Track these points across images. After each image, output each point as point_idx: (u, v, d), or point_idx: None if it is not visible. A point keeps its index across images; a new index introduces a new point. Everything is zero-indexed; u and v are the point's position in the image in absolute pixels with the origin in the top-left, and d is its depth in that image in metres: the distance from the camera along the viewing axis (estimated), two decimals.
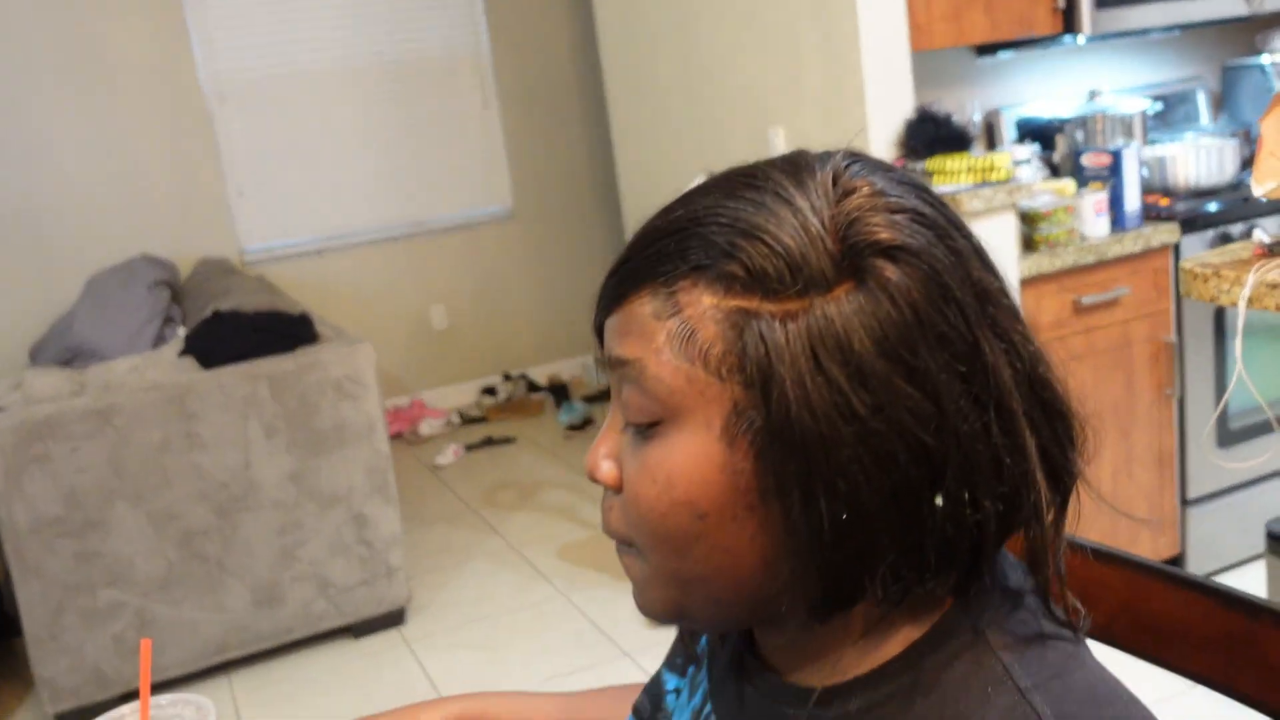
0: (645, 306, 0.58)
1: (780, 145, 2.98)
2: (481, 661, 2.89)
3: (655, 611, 0.64)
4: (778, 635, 0.65)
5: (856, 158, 0.59)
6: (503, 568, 3.44)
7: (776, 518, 0.56)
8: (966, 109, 3.09)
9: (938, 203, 0.59)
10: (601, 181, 5.32)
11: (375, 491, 3.00)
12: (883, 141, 2.70)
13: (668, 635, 2.73)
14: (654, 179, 3.77)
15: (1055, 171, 3.00)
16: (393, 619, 3.11)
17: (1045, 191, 2.65)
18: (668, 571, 0.60)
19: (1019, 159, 2.77)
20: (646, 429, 0.59)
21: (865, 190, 0.57)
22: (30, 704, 2.90)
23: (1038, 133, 3.10)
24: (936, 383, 0.54)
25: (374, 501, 3.00)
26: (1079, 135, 2.97)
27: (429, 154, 5.12)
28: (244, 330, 2.97)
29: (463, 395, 5.32)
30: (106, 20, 4.45)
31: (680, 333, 0.56)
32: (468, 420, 5.04)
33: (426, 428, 4.88)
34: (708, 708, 0.72)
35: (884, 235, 0.55)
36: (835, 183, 0.57)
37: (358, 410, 2.95)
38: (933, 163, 2.56)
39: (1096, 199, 2.62)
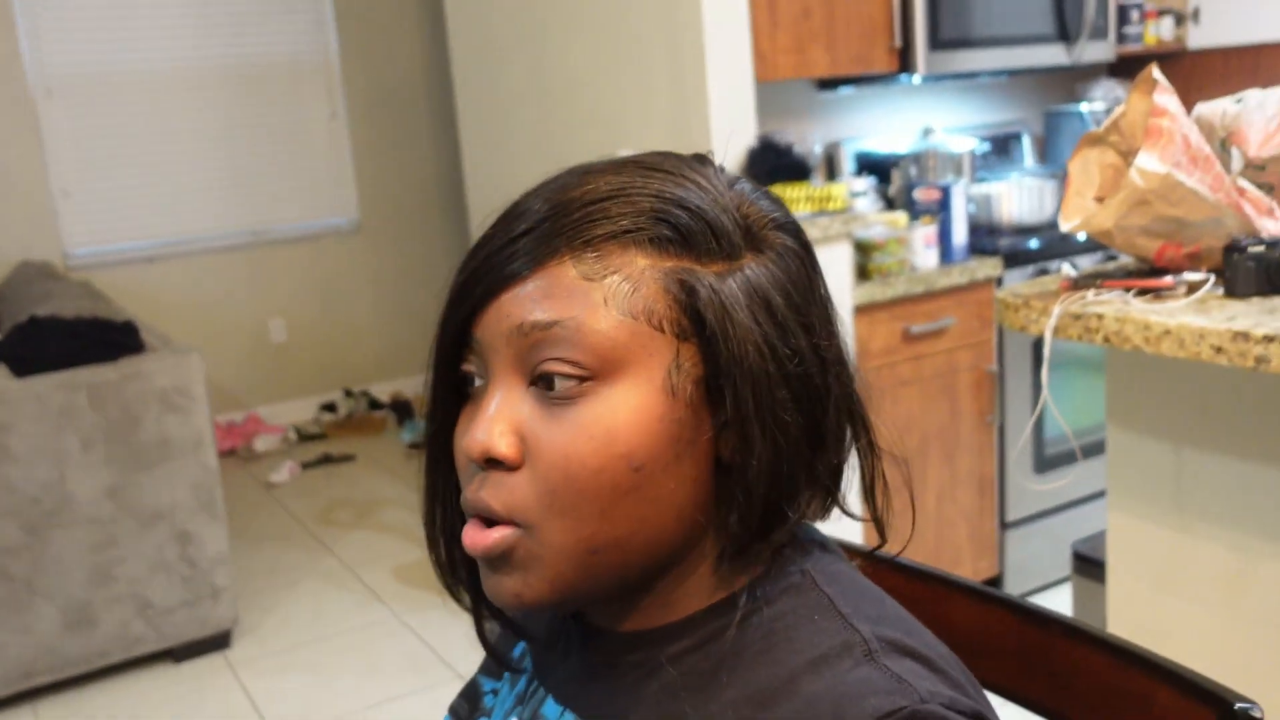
0: (569, 270, 0.61)
1: None
2: (310, 685, 2.80)
3: (539, 595, 0.63)
4: (621, 599, 0.67)
5: (712, 157, 0.69)
6: (336, 589, 3.35)
7: (705, 461, 0.62)
8: (808, 140, 3.18)
9: (778, 196, 0.70)
10: (449, 197, 5.27)
11: (201, 509, 2.88)
12: (726, 167, 2.76)
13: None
14: (503, 193, 3.73)
15: (890, 204, 3.11)
16: (217, 642, 2.98)
17: (879, 223, 2.75)
18: (579, 538, 0.61)
19: (856, 190, 2.86)
20: (569, 391, 0.60)
21: (742, 181, 0.67)
22: None
23: (875, 166, 3.22)
24: (819, 333, 0.64)
25: (199, 519, 2.88)
26: (913, 170, 3.10)
27: (273, 162, 4.98)
28: (63, 337, 2.81)
29: (301, 411, 5.17)
30: None
31: (623, 290, 0.60)
32: (305, 437, 4.90)
33: (262, 444, 4.72)
34: (534, 685, 0.74)
35: (774, 213, 0.65)
36: (720, 173, 0.66)
37: (184, 423, 2.83)
38: (773, 190, 2.62)
39: (926, 232, 2.73)
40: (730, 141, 2.74)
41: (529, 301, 0.61)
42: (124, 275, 4.67)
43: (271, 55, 4.90)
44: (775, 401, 0.61)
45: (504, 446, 0.61)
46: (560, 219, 0.62)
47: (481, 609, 0.73)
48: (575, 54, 3.22)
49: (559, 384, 0.60)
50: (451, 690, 2.69)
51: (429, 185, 5.35)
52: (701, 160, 0.67)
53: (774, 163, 2.72)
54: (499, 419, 0.62)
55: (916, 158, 3.10)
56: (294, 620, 3.16)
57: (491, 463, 0.62)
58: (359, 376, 5.31)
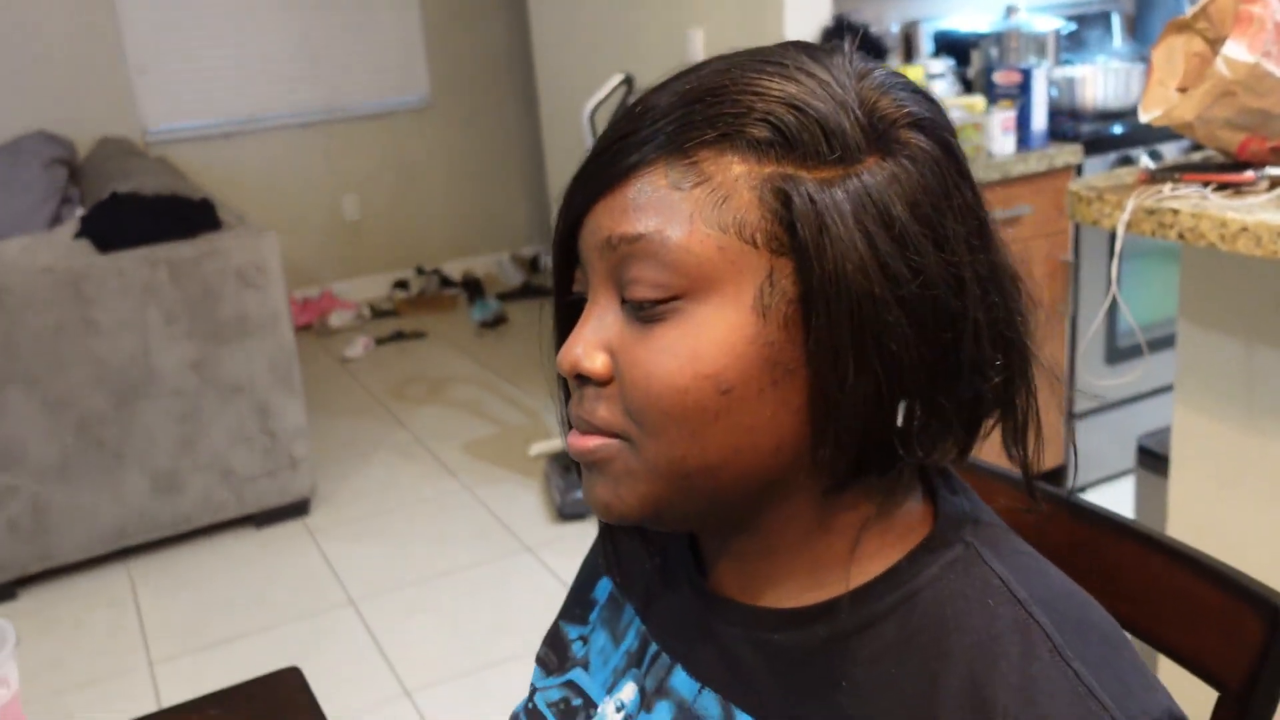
0: (660, 179, 0.56)
1: (699, 47, 2.95)
2: (383, 553, 2.92)
3: (628, 509, 0.60)
4: (742, 559, 0.64)
5: (846, 46, 0.61)
6: (408, 461, 3.46)
7: (804, 390, 0.56)
8: (884, 20, 3.09)
9: (927, 90, 0.61)
10: (520, 75, 5.23)
11: (279, 382, 2.98)
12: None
13: (571, 532, 2.79)
14: (572, 75, 3.71)
15: (969, 87, 3.02)
16: (296, 510, 3.11)
17: (956, 107, 2.68)
18: (671, 459, 0.57)
19: (933, 73, 2.78)
20: (656, 309, 0.56)
21: (880, 71, 0.58)
22: None
23: (954, 46, 3.12)
24: (958, 250, 0.56)
25: (278, 392, 2.98)
26: (993, 51, 3.00)
27: (345, 38, 4.96)
28: (143, 214, 2.89)
29: (374, 288, 5.26)
30: None
31: (712, 200, 0.55)
32: (378, 314, 4.99)
33: (336, 320, 4.83)
34: (651, 647, 0.70)
35: (909, 108, 0.57)
36: (852, 63, 0.58)
37: (261, 300, 2.90)
38: None
39: (1005, 117, 2.65)
40: (804, 22, 2.68)
41: (618, 212, 0.57)
42: (200, 152, 4.73)
43: None
44: (882, 327, 0.54)
45: (591, 363, 0.59)
46: (657, 121, 0.57)
47: (612, 529, 0.71)
48: None
49: (645, 301, 0.57)
50: (519, 562, 2.79)
51: (500, 63, 5.30)
52: (830, 50, 0.59)
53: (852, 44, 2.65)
54: (590, 335, 0.59)
55: (998, 38, 3.00)
56: (368, 490, 3.28)
57: (583, 379, 0.60)
58: (431, 254, 5.37)
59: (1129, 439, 2.58)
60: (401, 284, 5.22)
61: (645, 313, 0.57)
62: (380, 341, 4.59)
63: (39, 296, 2.66)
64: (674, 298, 0.56)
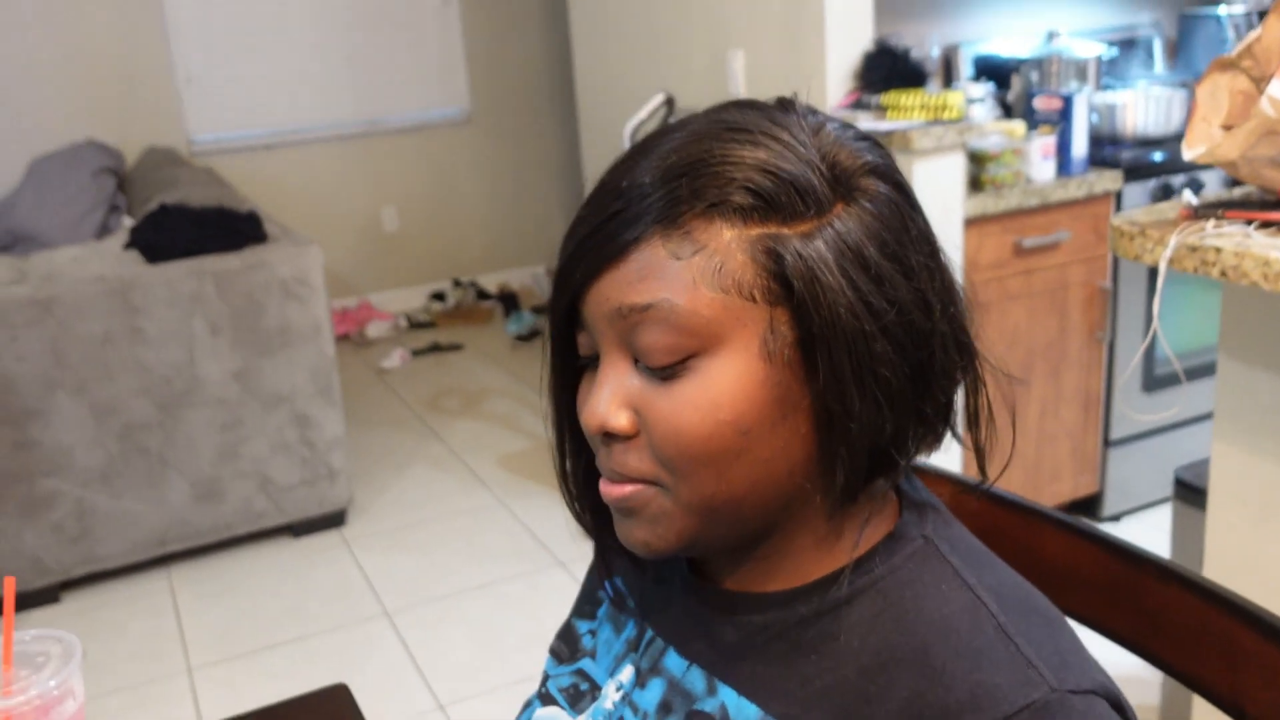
0: (659, 250, 0.62)
1: (739, 68, 2.98)
2: (418, 565, 2.95)
3: (666, 545, 0.66)
4: (741, 557, 0.70)
5: (797, 103, 0.68)
6: (444, 473, 3.49)
7: (810, 418, 0.63)
8: (925, 43, 3.10)
9: (873, 136, 0.69)
10: (559, 89, 5.27)
11: (319, 393, 3.02)
12: (840, 73, 2.71)
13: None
14: (612, 92, 3.75)
15: (1008, 112, 3.02)
16: (333, 520, 3.15)
17: (995, 132, 2.68)
18: (701, 498, 0.64)
19: (973, 97, 2.79)
20: (672, 368, 0.62)
21: (831, 124, 0.66)
22: None
23: (994, 71, 3.12)
24: (921, 276, 0.63)
25: (317, 403, 3.02)
26: (1034, 76, 3.00)
27: (386, 51, 5.03)
28: (191, 225, 2.94)
29: (411, 299, 5.31)
30: None
31: (710, 266, 0.61)
32: (415, 325, 5.04)
33: (374, 330, 4.88)
34: (647, 634, 0.76)
35: (865, 158, 0.64)
36: (805, 120, 0.65)
37: (304, 312, 2.95)
38: (887, 97, 2.58)
39: (1045, 143, 2.66)
40: (846, 45, 2.69)
41: (624, 284, 0.63)
42: (243, 162, 4.81)
43: None
44: (873, 358, 0.61)
45: (618, 422, 0.65)
46: (647, 197, 0.62)
47: (606, 548, 0.78)
48: None
49: (663, 367, 0.63)
50: (551, 577, 2.81)
51: (540, 77, 5.35)
52: (785, 108, 0.66)
53: (889, 68, 2.66)
54: (612, 395, 0.65)
55: (1038, 63, 3.00)
56: (404, 502, 3.32)
57: (610, 435, 0.66)
58: (467, 266, 5.42)
59: (1164, 467, 2.57)
60: (438, 296, 5.27)
61: (661, 372, 0.63)
62: (417, 353, 4.64)
63: (89, 305, 2.71)
64: (689, 356, 0.62)
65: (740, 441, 0.62)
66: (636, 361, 0.64)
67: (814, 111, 0.67)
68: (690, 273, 0.61)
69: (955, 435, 0.70)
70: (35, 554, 2.78)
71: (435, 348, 4.68)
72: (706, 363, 0.62)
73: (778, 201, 0.61)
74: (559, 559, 2.90)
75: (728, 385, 0.62)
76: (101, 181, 3.78)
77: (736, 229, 0.61)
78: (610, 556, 0.80)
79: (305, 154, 4.97)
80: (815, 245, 0.61)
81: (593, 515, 0.77)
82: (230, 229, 2.95)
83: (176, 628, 2.72)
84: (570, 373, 0.70)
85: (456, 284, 5.33)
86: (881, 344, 0.61)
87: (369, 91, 5.03)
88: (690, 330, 0.61)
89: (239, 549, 3.07)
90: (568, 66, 4.50)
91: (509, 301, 5.09)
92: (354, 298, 5.17)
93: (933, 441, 0.68)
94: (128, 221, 3.54)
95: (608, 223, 0.63)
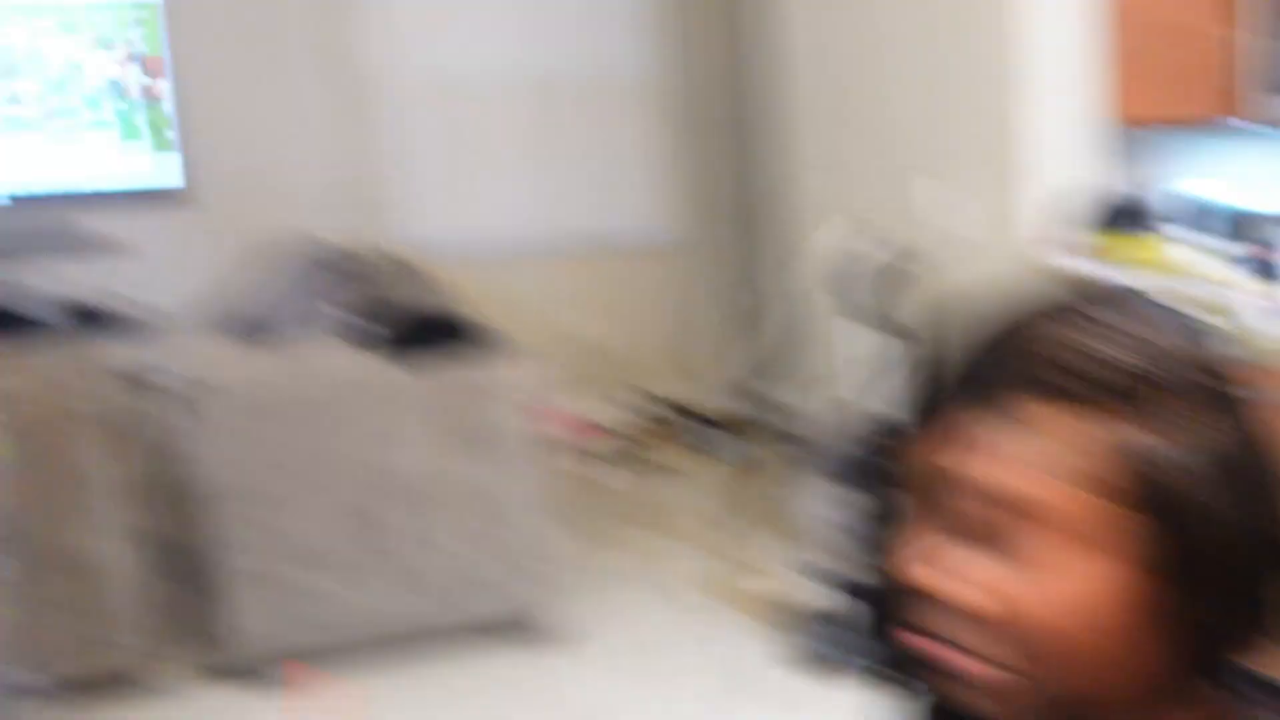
0: (1010, 433, 0.60)
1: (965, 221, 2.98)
2: (624, 686, 2.98)
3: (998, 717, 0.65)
4: None
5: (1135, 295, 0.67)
6: (654, 596, 3.52)
7: (1167, 627, 0.61)
8: (1151, 188, 2.98)
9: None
10: (767, 215, 5.34)
11: (535, 503, 3.17)
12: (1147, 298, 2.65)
13: (806, 684, 2.70)
14: (828, 211, 3.79)
15: (1269, 272, 2.77)
16: (533, 630, 3.22)
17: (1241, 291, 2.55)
18: (1044, 690, 0.62)
19: (1213, 250, 2.65)
20: (1029, 558, 0.61)
21: (1173, 324, 0.64)
22: (204, 655, 3.11)
23: (1244, 223, 2.98)
24: (1261, 475, 0.61)
25: (533, 512, 3.17)
26: None
27: (596, 171, 5.27)
28: (423, 330, 3.18)
29: (627, 415, 5.40)
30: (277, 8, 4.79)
31: (1065, 455, 0.60)
32: (631, 443, 5.13)
33: (593, 446, 5.00)
34: None
35: (1218, 358, 0.63)
36: (1154, 314, 0.64)
37: (527, 423, 3.13)
38: (1116, 245, 2.51)
39: None
40: (1065, 188, 2.65)
41: (970, 461, 0.61)
42: (464, 269, 4.91)
43: (594, 68, 5.21)
44: (1243, 569, 0.60)
45: (974, 598, 0.62)
46: (993, 377, 0.62)
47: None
48: (906, 96, 3.20)
49: (1005, 547, 0.61)
50: (757, 708, 2.77)
51: (747, 203, 5.45)
52: (1134, 299, 0.65)
53: (1115, 213, 2.60)
54: (956, 566, 0.63)
55: None
56: (612, 620, 3.36)
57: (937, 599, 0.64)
58: (684, 389, 5.48)
59: None
60: (658, 419, 5.36)
61: (1016, 561, 0.61)
62: (634, 472, 4.73)
63: (341, 405, 2.99)
64: (1047, 548, 0.60)
65: (1097, 645, 0.61)
66: (979, 540, 0.64)
67: (1157, 305, 0.66)
68: (1044, 460, 0.60)
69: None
70: (267, 632, 2.99)
71: (652, 468, 4.76)
72: (1055, 556, 0.61)
73: (1141, 401, 0.60)
74: (762, 690, 2.86)
75: (1092, 589, 0.60)
76: (320, 278, 3.97)
77: (1097, 422, 0.60)
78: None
79: (518, 267, 5.17)
80: (1180, 451, 0.59)
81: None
82: (461, 336, 3.16)
83: None
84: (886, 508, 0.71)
85: (674, 408, 5.40)
86: (1248, 553, 0.61)
87: (585, 209, 5.26)
88: (1049, 523, 0.60)
89: (437, 646, 3.14)
90: (774, 191, 4.55)
91: (726, 428, 5.11)
92: (575, 414, 5.31)
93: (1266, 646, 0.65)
94: (353, 321, 3.74)
95: (958, 395, 0.64)
